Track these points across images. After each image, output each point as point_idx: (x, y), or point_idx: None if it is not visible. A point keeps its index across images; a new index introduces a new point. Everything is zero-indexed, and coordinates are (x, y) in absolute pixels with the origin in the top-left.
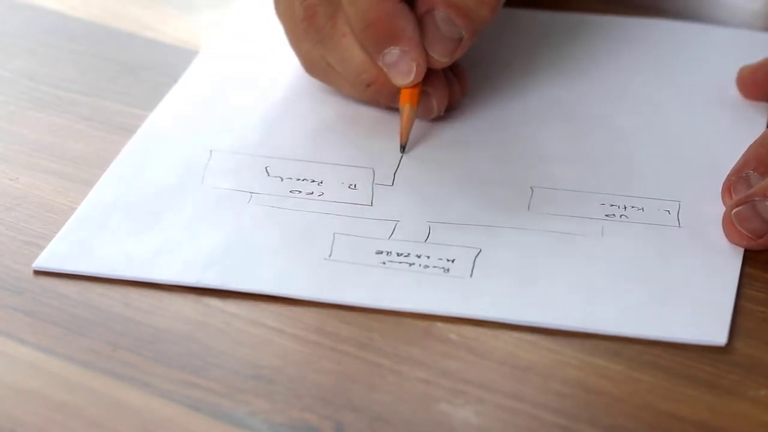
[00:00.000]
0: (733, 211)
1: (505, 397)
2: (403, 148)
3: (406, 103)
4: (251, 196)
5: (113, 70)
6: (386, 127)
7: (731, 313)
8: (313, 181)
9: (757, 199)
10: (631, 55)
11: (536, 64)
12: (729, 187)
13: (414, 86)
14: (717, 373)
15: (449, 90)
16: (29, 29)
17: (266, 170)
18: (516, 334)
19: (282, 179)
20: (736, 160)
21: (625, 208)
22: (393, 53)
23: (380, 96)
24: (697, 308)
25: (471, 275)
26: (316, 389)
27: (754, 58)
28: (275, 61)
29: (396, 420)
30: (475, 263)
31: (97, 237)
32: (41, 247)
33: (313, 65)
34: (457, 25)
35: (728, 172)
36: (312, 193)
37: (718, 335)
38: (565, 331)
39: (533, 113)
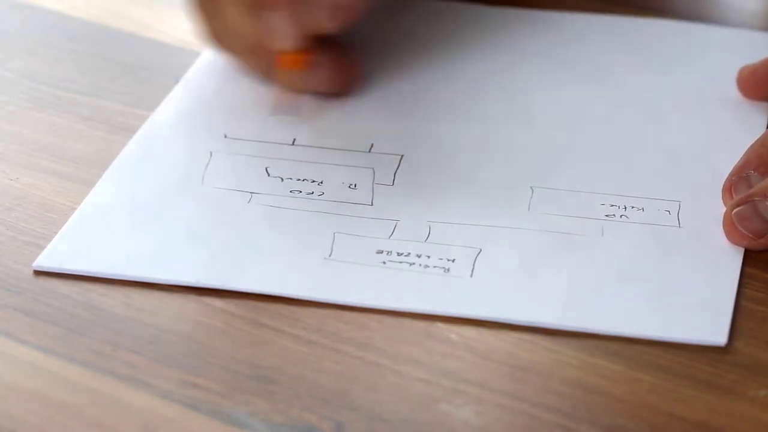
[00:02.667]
0: (734, 211)
1: (505, 397)
2: (272, 113)
3: (281, 67)
4: (251, 196)
5: (113, 70)
6: (387, 127)
7: (731, 313)
8: (313, 181)
9: (757, 198)
10: (631, 55)
11: (536, 63)
12: (729, 187)
13: (296, 52)
14: (717, 373)
15: (338, 66)
16: (29, 29)
17: (266, 170)
18: (516, 334)
19: (282, 179)
20: (736, 160)
21: (625, 208)
22: (270, 17)
23: (266, 64)
24: (697, 308)
25: (471, 275)
26: (316, 389)
27: (754, 58)
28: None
29: (396, 420)
30: (475, 263)
31: (97, 237)
32: (41, 247)
33: (209, 36)
34: None
35: (729, 172)
36: (312, 193)
37: (718, 335)
38: (565, 331)
39: (533, 113)
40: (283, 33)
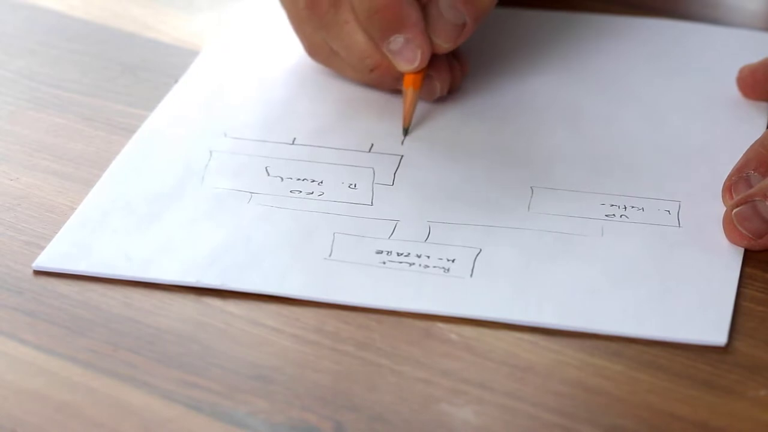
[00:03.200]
0: (734, 211)
1: (505, 397)
2: (406, 131)
3: (409, 87)
4: (251, 196)
5: (114, 70)
6: (387, 127)
7: (731, 313)
8: (313, 180)
9: (757, 199)
10: (632, 55)
11: (536, 63)
12: (729, 187)
13: (418, 72)
14: (717, 373)
15: (451, 73)
16: (29, 29)
17: (266, 170)
18: (516, 334)
19: (282, 179)
20: (737, 160)
21: (625, 208)
22: (398, 40)
23: (384, 80)
24: (697, 308)
25: (471, 275)
26: (316, 389)
27: (754, 58)
28: (275, 61)
29: (396, 420)
30: (475, 263)
31: (97, 237)
32: (41, 247)
33: (314, 49)
34: (461, 11)
35: (729, 172)
36: (312, 192)
37: (718, 335)
38: (565, 331)
39: (533, 113)
40: (409, 56)
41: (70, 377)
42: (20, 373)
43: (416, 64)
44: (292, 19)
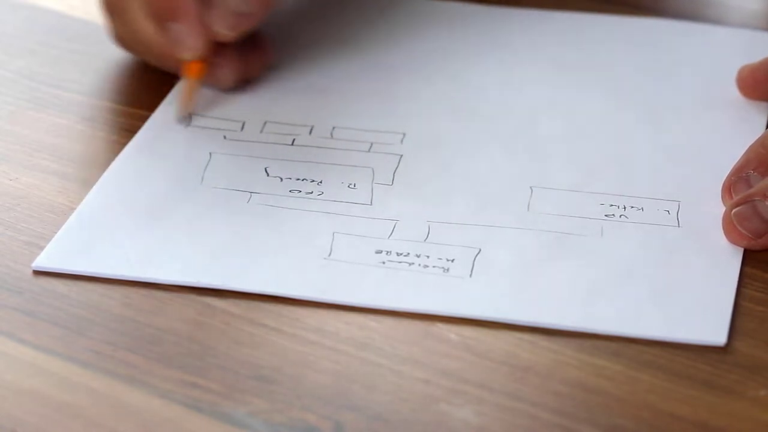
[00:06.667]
0: (733, 210)
1: (505, 397)
2: (181, 120)
3: (187, 75)
4: (251, 196)
5: (113, 70)
6: (385, 127)
7: (731, 313)
8: (313, 180)
9: (757, 198)
10: (631, 55)
11: (535, 63)
12: (729, 187)
13: (200, 60)
14: (717, 373)
15: (245, 61)
16: (29, 29)
17: (266, 170)
18: (516, 334)
19: (281, 179)
20: (736, 160)
21: (625, 208)
22: (175, 29)
23: (173, 68)
24: (696, 308)
25: (470, 275)
26: (316, 389)
27: (754, 58)
28: (275, 61)
29: (395, 420)
30: (475, 263)
31: (96, 237)
32: (41, 247)
33: (118, 39)
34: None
35: (728, 172)
36: (311, 192)
37: (718, 335)
38: (564, 331)
39: (533, 113)
40: (187, 44)
41: (69, 377)
42: (20, 373)
43: (193, 52)
44: (100, 9)
